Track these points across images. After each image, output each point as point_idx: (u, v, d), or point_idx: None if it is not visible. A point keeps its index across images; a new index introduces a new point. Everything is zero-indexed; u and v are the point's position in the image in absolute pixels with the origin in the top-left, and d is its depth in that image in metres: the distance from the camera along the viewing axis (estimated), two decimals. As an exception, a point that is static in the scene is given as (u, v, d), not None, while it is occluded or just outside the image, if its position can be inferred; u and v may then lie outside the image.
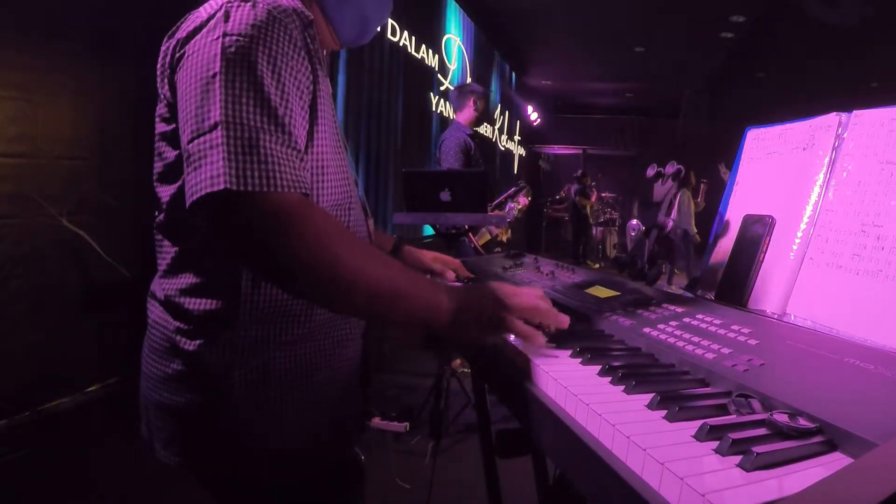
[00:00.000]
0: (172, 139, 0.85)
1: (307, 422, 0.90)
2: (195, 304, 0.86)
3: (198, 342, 0.85)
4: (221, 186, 0.69)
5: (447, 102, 6.42)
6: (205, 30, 0.78)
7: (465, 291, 0.83)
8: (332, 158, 0.89)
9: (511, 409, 0.79)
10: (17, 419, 2.47)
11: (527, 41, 9.05)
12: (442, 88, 6.57)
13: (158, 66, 0.88)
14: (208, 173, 0.70)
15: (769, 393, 0.58)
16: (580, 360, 0.74)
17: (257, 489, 0.90)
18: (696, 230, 7.51)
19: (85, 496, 2.18)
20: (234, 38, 0.76)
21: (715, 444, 0.50)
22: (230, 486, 0.91)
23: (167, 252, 0.90)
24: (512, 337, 0.83)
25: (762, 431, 0.52)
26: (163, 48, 0.88)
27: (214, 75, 0.74)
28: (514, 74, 10.78)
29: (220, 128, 0.71)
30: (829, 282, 0.85)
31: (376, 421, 3.02)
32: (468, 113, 3.80)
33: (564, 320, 0.83)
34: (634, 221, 10.74)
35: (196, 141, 0.73)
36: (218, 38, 0.76)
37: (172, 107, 0.84)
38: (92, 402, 2.83)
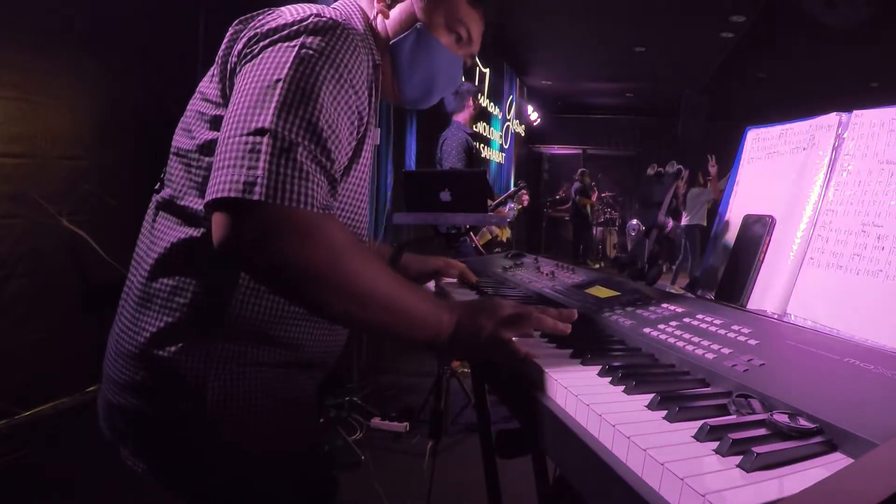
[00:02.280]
0: (213, 123, 0.84)
1: (276, 433, 0.89)
2: (180, 305, 0.83)
3: (173, 349, 0.83)
4: (256, 196, 0.69)
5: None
6: (286, 32, 0.78)
7: (464, 311, 0.81)
8: (356, 200, 0.90)
9: (512, 411, 0.79)
10: (17, 419, 2.47)
11: (527, 41, 9.05)
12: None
13: (223, 46, 0.87)
14: (243, 177, 0.70)
15: (769, 393, 0.58)
16: (580, 360, 0.74)
17: (224, 499, 0.89)
18: None
19: (85, 496, 2.18)
20: (310, 52, 0.76)
21: (715, 444, 0.50)
22: (198, 494, 0.90)
23: (164, 237, 0.86)
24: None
25: (762, 432, 0.52)
26: (231, 30, 0.87)
27: (279, 81, 0.74)
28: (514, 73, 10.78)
29: (267, 136, 0.71)
30: (829, 282, 0.85)
31: (376, 421, 3.02)
32: (467, 113, 3.82)
33: (565, 328, 0.81)
34: (634, 221, 10.75)
35: (239, 139, 0.72)
36: (296, 46, 0.76)
37: (225, 95, 0.83)
38: (92, 402, 2.83)
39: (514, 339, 0.80)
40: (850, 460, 0.48)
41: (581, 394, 0.61)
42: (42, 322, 2.60)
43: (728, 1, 6.59)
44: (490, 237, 4.21)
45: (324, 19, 0.80)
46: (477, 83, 7.44)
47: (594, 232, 11.41)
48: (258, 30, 0.81)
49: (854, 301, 0.80)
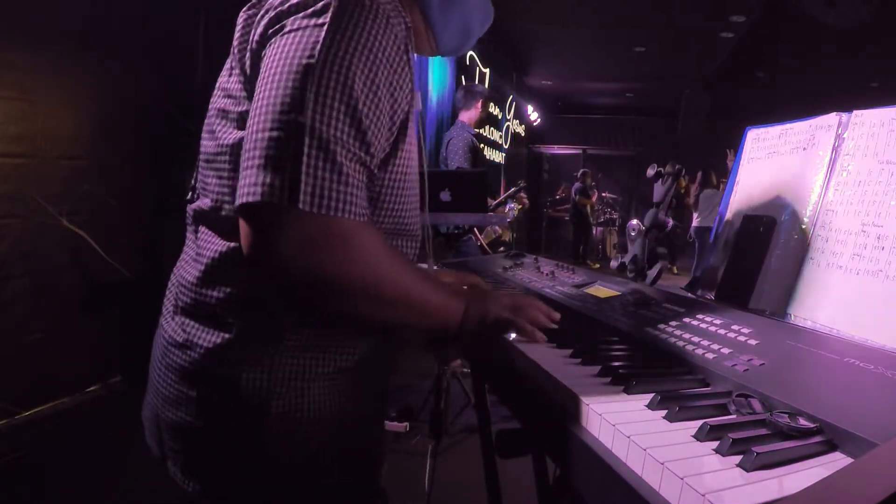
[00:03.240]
0: (239, 121, 0.78)
1: (338, 453, 0.84)
2: (236, 319, 0.77)
3: (231, 365, 0.77)
4: (298, 204, 0.64)
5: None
6: (311, 9, 0.71)
7: (471, 298, 0.85)
8: (409, 183, 0.84)
9: (514, 413, 0.79)
10: (17, 419, 2.47)
11: (527, 41, 9.05)
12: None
13: (238, 35, 0.80)
14: (277, 180, 0.64)
15: (769, 393, 0.58)
16: (580, 360, 0.74)
17: None
18: None
19: (85, 496, 2.18)
20: (343, 31, 0.69)
21: (715, 443, 0.50)
22: None
23: (209, 249, 0.80)
24: (513, 336, 0.84)
25: (762, 431, 0.52)
26: (243, 16, 0.80)
27: (310, 67, 0.67)
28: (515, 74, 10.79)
29: (304, 131, 0.65)
30: (829, 282, 0.85)
31: (376, 421, 3.01)
32: (473, 113, 3.82)
33: (555, 316, 0.89)
34: (634, 221, 10.75)
35: (270, 134, 0.66)
36: (324, 24, 0.69)
37: (250, 85, 0.76)
38: (92, 402, 2.83)
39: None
40: (850, 460, 0.48)
41: (581, 394, 0.61)
42: (42, 322, 2.61)
43: (728, 1, 6.59)
44: (494, 236, 4.21)
45: None
46: (477, 82, 7.43)
47: (594, 232, 11.40)
48: (279, 9, 0.74)
49: (854, 301, 0.80)
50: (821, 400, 0.55)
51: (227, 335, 0.77)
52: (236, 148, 0.76)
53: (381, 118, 0.72)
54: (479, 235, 3.24)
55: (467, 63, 7.33)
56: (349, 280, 0.69)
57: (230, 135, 0.79)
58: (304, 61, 0.67)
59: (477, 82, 7.49)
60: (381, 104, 0.72)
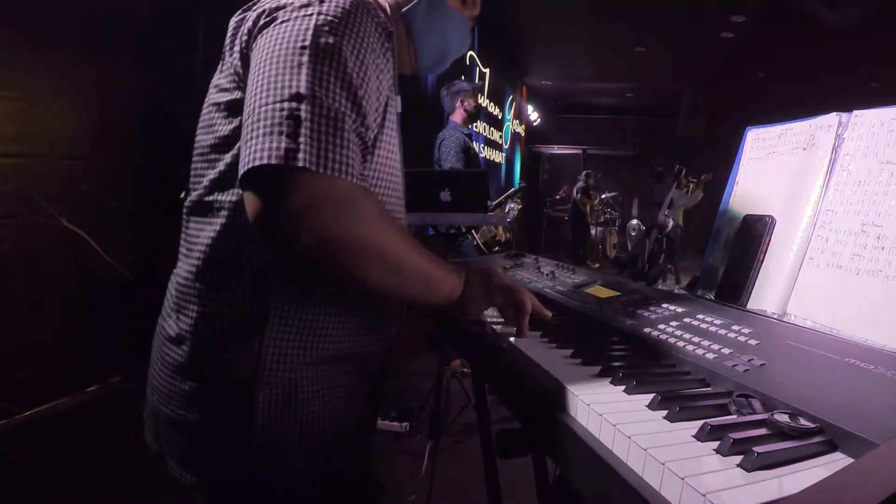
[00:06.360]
0: (231, 109, 0.82)
1: (326, 443, 0.86)
2: (224, 307, 0.81)
3: (220, 356, 0.80)
4: (301, 164, 0.67)
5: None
6: (297, 4, 0.77)
7: (475, 268, 0.91)
8: (389, 170, 0.88)
9: (514, 412, 0.79)
10: (17, 419, 2.47)
11: (527, 41, 9.04)
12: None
13: (229, 35, 0.85)
14: (283, 143, 0.68)
15: (770, 393, 0.58)
16: (580, 360, 0.74)
17: None
18: None
19: (85, 497, 2.18)
20: (328, 18, 0.75)
21: (716, 444, 0.50)
22: None
23: (199, 241, 0.84)
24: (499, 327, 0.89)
25: (763, 431, 0.52)
26: (235, 19, 0.85)
27: (304, 48, 0.72)
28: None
29: (305, 102, 0.70)
30: (829, 282, 0.85)
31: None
32: (460, 112, 3.81)
33: (546, 314, 0.94)
34: (635, 221, 10.74)
35: (273, 106, 0.70)
36: (312, 14, 0.75)
37: (239, 76, 0.81)
38: (92, 402, 2.83)
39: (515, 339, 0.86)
40: (851, 460, 0.48)
41: (581, 394, 0.61)
42: (42, 322, 2.60)
43: (728, 1, 6.59)
44: (490, 235, 4.21)
45: None
46: (477, 81, 7.42)
47: (594, 232, 11.40)
48: (266, 7, 0.80)
49: (854, 301, 0.80)
50: (821, 400, 0.55)
51: (213, 325, 0.81)
52: (231, 138, 0.82)
53: (371, 95, 0.77)
54: (475, 235, 3.24)
55: (467, 63, 7.32)
56: (353, 240, 0.72)
57: (223, 126, 0.83)
58: (297, 44, 0.73)
59: (477, 81, 7.48)
60: (370, 82, 0.77)
